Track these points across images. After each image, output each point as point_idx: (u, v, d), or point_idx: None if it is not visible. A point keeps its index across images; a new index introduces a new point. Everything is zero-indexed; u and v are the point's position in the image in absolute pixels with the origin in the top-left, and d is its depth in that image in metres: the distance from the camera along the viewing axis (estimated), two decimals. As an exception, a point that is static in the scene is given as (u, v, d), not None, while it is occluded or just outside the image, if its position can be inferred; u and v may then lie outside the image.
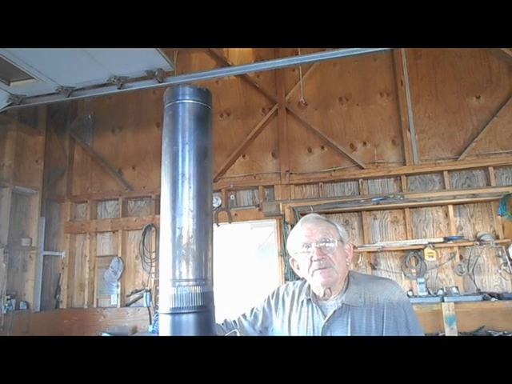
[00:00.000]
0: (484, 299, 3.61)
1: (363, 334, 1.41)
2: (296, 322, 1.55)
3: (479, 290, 3.87)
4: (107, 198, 5.11)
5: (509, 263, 3.82)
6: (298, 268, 1.57)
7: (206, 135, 1.21)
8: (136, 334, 4.30)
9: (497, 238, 3.92)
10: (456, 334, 3.43)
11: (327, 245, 1.47)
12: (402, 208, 4.18)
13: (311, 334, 1.49)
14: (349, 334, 1.42)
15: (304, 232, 1.52)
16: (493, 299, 3.59)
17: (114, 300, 4.73)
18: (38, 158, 4.80)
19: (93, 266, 4.93)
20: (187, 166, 1.17)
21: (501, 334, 3.54)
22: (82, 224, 5.02)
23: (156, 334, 1.73)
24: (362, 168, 4.38)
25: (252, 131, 4.71)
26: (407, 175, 4.29)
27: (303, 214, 4.08)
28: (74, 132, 5.31)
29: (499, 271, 3.91)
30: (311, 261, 1.46)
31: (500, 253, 3.89)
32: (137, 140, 5.15)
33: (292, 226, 4.14)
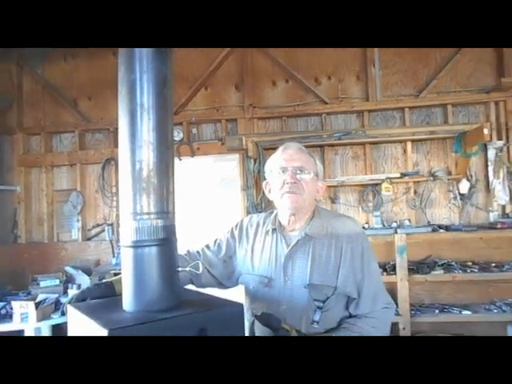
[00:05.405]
0: (433, 231, 3.84)
1: (322, 263, 1.50)
2: (259, 252, 1.61)
3: (429, 222, 4.11)
4: (62, 131, 4.87)
5: (458, 197, 4.05)
6: (270, 191, 1.63)
7: (164, 63, 1.16)
8: (99, 267, 4.33)
9: (449, 174, 4.10)
10: (406, 262, 3.68)
11: (302, 174, 1.52)
12: (363, 144, 4.26)
13: (273, 263, 1.56)
14: (309, 263, 1.50)
15: (283, 156, 1.56)
16: (441, 231, 3.84)
17: (75, 234, 4.70)
18: (-18, 85, 4.45)
19: (51, 201, 4.81)
20: (146, 96, 1.12)
21: (445, 262, 3.83)
22: (36, 157, 4.81)
23: (119, 268, 1.74)
24: (326, 103, 4.36)
25: (215, 62, 4.52)
26: (369, 111, 4.32)
27: (266, 149, 4.09)
28: (21, 58, 4.90)
29: (449, 205, 4.14)
30: (284, 183, 1.51)
31: (451, 188, 4.10)
32: (91, 68, 4.83)
33: (255, 161, 4.15)
